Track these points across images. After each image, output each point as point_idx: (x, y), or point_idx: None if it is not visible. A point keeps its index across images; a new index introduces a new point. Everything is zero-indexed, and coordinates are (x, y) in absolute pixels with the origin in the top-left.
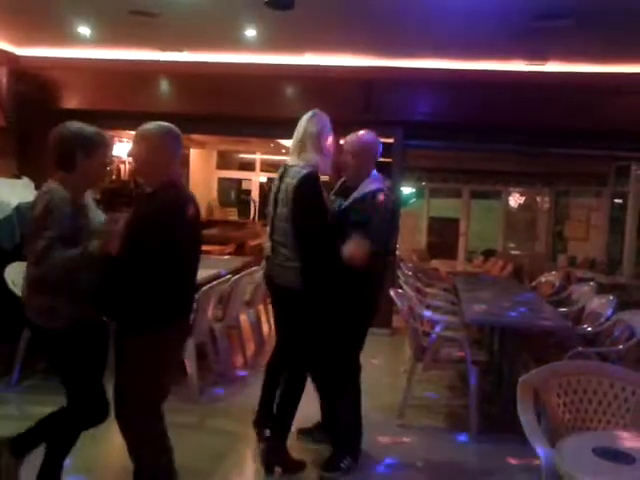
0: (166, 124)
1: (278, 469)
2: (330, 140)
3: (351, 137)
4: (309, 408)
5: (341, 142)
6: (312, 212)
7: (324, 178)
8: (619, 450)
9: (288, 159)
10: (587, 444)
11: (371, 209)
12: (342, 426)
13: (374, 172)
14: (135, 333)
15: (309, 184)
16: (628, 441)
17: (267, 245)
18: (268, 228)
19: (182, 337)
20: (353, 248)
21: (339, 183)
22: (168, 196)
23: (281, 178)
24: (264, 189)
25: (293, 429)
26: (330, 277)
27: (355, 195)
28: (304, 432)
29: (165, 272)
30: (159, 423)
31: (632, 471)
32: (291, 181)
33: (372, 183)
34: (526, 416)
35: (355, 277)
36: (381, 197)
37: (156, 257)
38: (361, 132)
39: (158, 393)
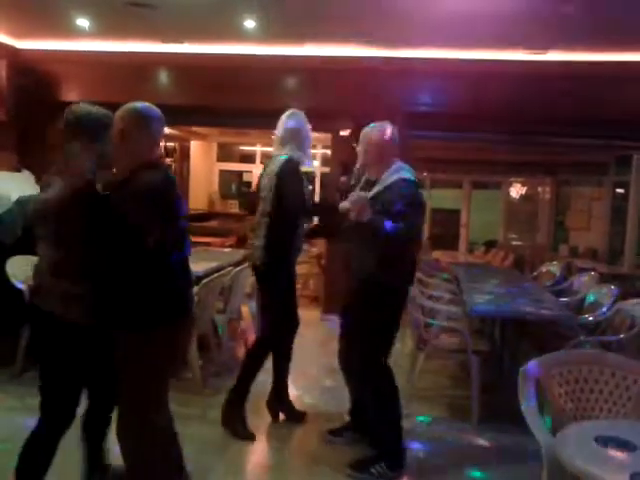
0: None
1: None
2: (309, 135)
3: (365, 130)
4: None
5: (343, 133)
6: (289, 193)
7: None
8: (621, 438)
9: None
10: (588, 433)
11: (396, 198)
12: (376, 431)
13: (397, 163)
14: (133, 331)
15: (288, 168)
16: (629, 429)
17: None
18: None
19: (183, 334)
20: (352, 201)
21: (363, 179)
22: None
23: (265, 168)
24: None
25: (323, 430)
26: (291, 256)
27: (378, 188)
28: (334, 433)
29: (158, 261)
30: (162, 421)
31: (634, 459)
32: (273, 167)
33: (394, 173)
34: (527, 405)
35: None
36: (403, 185)
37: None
38: (373, 125)
39: (161, 391)
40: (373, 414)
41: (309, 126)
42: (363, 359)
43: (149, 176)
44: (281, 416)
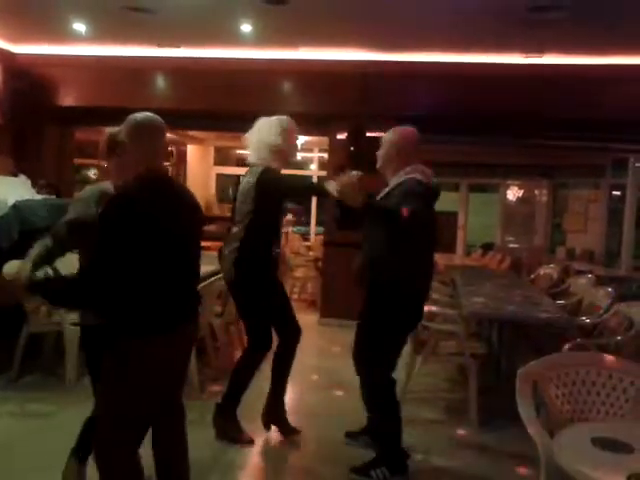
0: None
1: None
2: (288, 140)
3: (384, 135)
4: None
5: (340, 137)
6: (268, 197)
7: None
8: (618, 440)
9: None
10: (586, 434)
11: (405, 194)
12: (377, 436)
13: (416, 165)
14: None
15: (266, 175)
16: (627, 431)
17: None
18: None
19: (176, 345)
20: (344, 179)
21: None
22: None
23: (243, 177)
24: None
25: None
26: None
27: (389, 187)
28: (351, 435)
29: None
30: (133, 455)
31: (631, 461)
32: (250, 179)
33: (404, 175)
34: (525, 408)
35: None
36: (412, 184)
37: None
38: (393, 129)
39: (142, 415)
40: (373, 417)
41: (288, 132)
42: (371, 359)
43: (112, 199)
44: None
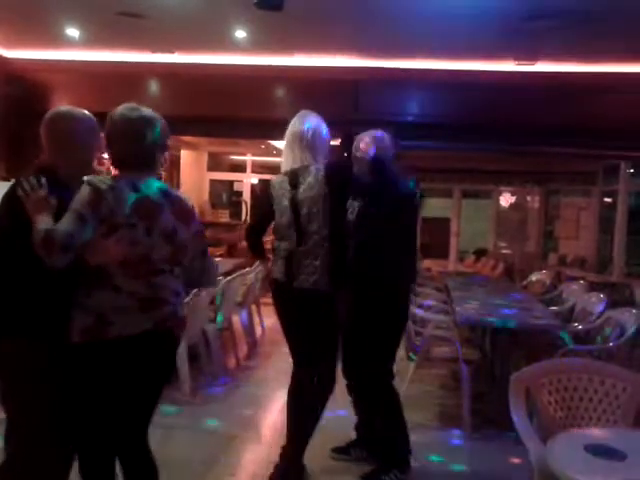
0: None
1: None
2: (323, 137)
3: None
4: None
5: (334, 143)
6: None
7: None
8: (610, 447)
9: (288, 164)
10: (578, 441)
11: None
12: (387, 440)
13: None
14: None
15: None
16: (619, 438)
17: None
18: (283, 242)
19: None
20: None
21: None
22: None
23: (295, 185)
24: (255, 191)
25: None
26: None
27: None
28: (339, 451)
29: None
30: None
31: (624, 468)
32: (312, 180)
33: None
34: (518, 414)
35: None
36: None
37: None
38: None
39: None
40: (385, 424)
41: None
42: (377, 369)
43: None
44: None
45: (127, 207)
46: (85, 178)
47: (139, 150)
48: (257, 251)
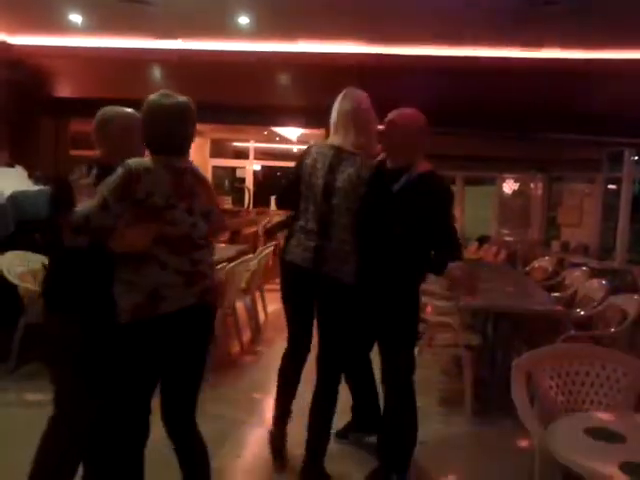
0: None
1: None
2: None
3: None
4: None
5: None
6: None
7: None
8: (610, 430)
9: (334, 141)
10: (579, 424)
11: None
12: (403, 445)
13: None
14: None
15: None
16: (619, 421)
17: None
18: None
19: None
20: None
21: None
22: None
23: (334, 166)
24: (258, 177)
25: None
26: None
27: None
28: (340, 434)
29: None
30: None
31: (623, 450)
32: (352, 173)
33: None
34: (519, 398)
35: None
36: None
37: None
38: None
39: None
40: (404, 428)
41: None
42: (408, 372)
43: None
44: None
45: (166, 189)
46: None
47: (174, 135)
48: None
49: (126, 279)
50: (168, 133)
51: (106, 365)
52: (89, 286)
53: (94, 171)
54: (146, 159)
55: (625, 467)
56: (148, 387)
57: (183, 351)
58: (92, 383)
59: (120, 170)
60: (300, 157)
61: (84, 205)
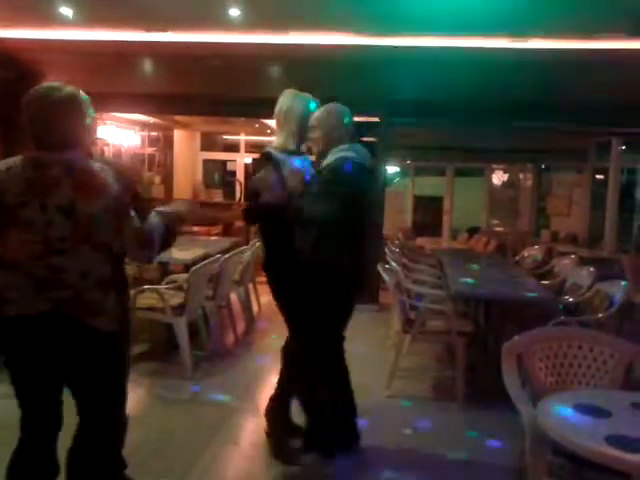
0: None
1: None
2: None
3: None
4: None
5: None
6: None
7: None
8: (597, 406)
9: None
10: (568, 401)
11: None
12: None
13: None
14: None
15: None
16: (606, 398)
17: None
18: None
19: None
20: None
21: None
22: None
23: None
24: (249, 170)
25: None
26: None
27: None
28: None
29: None
30: None
31: (610, 424)
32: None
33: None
34: (510, 379)
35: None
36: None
37: None
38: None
39: None
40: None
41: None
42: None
43: None
44: None
45: (19, 185)
46: None
47: (53, 130)
48: None
49: None
50: (47, 128)
51: None
52: None
53: None
54: (16, 157)
55: (611, 439)
56: (27, 386)
57: (33, 358)
58: None
59: None
60: None
61: None
